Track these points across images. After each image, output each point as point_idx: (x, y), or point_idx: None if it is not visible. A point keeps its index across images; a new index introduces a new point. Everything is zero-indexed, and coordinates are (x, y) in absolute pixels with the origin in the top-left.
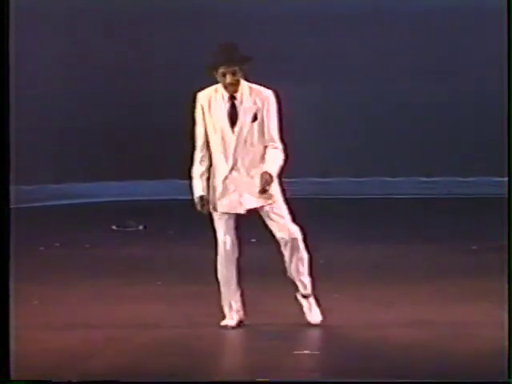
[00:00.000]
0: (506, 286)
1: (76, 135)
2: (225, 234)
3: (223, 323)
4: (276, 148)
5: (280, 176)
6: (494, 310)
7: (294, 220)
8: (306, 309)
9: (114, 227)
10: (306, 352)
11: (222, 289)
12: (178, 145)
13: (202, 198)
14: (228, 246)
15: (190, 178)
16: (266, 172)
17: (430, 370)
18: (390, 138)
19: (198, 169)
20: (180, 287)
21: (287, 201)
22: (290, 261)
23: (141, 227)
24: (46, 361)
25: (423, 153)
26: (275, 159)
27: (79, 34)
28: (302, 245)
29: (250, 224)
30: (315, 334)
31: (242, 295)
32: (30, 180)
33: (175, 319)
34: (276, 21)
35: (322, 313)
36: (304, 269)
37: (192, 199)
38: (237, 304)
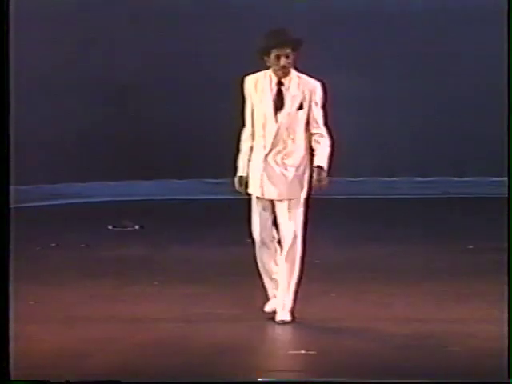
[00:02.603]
0: (503, 286)
1: (72, 135)
2: (261, 218)
3: (267, 309)
4: (323, 136)
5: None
6: (490, 310)
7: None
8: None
9: (110, 227)
10: (302, 352)
11: (263, 275)
12: (175, 145)
13: (241, 178)
14: (264, 230)
15: (215, 169)
16: (319, 167)
17: (427, 370)
18: (386, 138)
19: (244, 147)
20: (177, 287)
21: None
22: (283, 260)
23: (137, 227)
24: (42, 361)
25: (419, 153)
26: (324, 150)
27: (79, 34)
28: (298, 253)
29: None
30: (311, 333)
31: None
32: (25, 180)
33: (172, 319)
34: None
35: (318, 312)
36: (290, 277)
37: (188, 199)
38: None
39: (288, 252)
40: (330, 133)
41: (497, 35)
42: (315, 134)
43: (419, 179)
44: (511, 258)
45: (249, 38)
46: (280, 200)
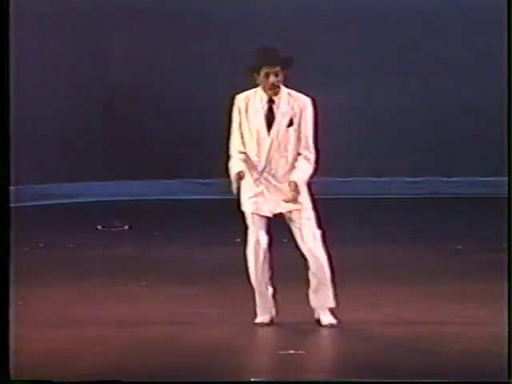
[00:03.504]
0: (491, 286)
1: (60, 136)
2: (256, 234)
3: (257, 321)
4: (308, 159)
5: (309, 185)
6: (479, 310)
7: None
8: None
9: (98, 227)
10: (291, 352)
11: (255, 287)
12: (163, 145)
13: (240, 172)
14: (258, 246)
15: (204, 170)
16: (293, 181)
17: (416, 369)
18: (375, 139)
19: (238, 156)
20: (165, 287)
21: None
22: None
23: (126, 227)
24: (30, 361)
25: (408, 153)
26: (304, 169)
27: (79, 34)
28: (325, 263)
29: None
30: (301, 333)
31: (273, 294)
32: (13, 180)
33: (160, 319)
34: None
35: (307, 313)
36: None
37: (176, 199)
38: (268, 302)
39: (312, 259)
40: (317, 152)
41: (497, 35)
42: (301, 154)
43: (408, 179)
44: (511, 258)
45: (237, 51)
46: (289, 213)
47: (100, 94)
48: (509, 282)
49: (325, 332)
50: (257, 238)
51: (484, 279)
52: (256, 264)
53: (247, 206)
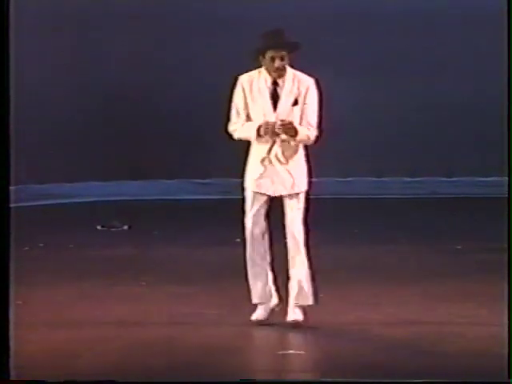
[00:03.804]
0: (491, 286)
1: (60, 136)
2: (254, 219)
3: (252, 318)
4: (308, 129)
5: (310, 181)
6: (479, 310)
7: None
8: (289, 308)
9: (98, 227)
10: (290, 352)
11: (250, 277)
12: (163, 145)
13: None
14: (257, 226)
15: (203, 169)
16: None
17: (416, 369)
18: (375, 138)
19: (250, 123)
20: (164, 287)
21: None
22: (291, 258)
23: (125, 227)
24: (29, 361)
25: (408, 153)
26: (304, 130)
27: (79, 34)
28: (303, 249)
29: None
30: (300, 333)
31: (274, 280)
32: (13, 180)
33: (160, 319)
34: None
35: (307, 313)
36: (302, 273)
37: (176, 199)
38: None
39: (293, 253)
40: (320, 135)
41: (497, 35)
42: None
43: (408, 179)
44: (511, 258)
45: (238, 51)
46: (276, 196)
47: (100, 94)
48: (509, 283)
49: (324, 332)
50: (255, 218)
51: (484, 279)
52: (252, 244)
53: (250, 184)
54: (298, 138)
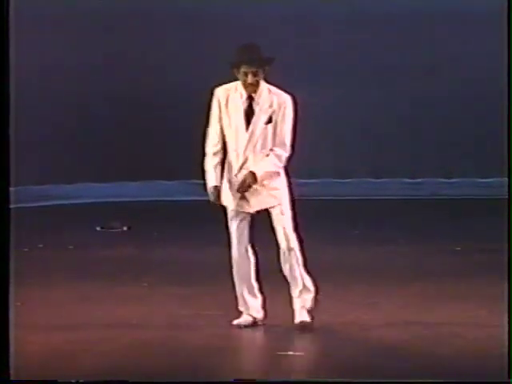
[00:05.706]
0: (491, 287)
1: (60, 136)
2: (237, 234)
3: (236, 322)
4: (278, 155)
5: (289, 181)
6: (479, 311)
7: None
8: (296, 308)
9: (98, 228)
10: (289, 353)
11: (237, 288)
12: (162, 146)
13: (215, 187)
14: (241, 247)
15: (202, 170)
16: (250, 172)
17: (416, 370)
18: (375, 139)
19: (212, 160)
20: (164, 288)
21: (294, 204)
22: (285, 265)
23: (125, 228)
24: (29, 362)
25: (408, 154)
26: (269, 163)
27: (79, 34)
28: (298, 254)
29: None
30: (300, 334)
31: (260, 294)
32: (13, 181)
33: (160, 320)
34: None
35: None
36: (298, 272)
37: (175, 200)
38: (252, 302)
39: (289, 261)
40: (292, 153)
41: (497, 35)
42: (273, 150)
43: (407, 180)
44: (511, 258)
45: (223, 47)
46: (271, 209)
47: (100, 94)
48: (509, 283)
49: (323, 333)
50: (237, 241)
51: (484, 280)
52: (238, 263)
53: (228, 202)
54: (264, 175)
